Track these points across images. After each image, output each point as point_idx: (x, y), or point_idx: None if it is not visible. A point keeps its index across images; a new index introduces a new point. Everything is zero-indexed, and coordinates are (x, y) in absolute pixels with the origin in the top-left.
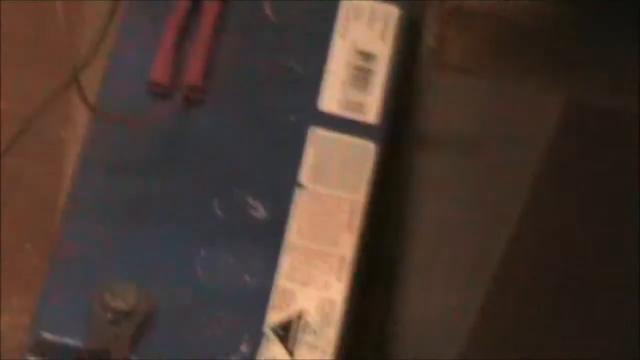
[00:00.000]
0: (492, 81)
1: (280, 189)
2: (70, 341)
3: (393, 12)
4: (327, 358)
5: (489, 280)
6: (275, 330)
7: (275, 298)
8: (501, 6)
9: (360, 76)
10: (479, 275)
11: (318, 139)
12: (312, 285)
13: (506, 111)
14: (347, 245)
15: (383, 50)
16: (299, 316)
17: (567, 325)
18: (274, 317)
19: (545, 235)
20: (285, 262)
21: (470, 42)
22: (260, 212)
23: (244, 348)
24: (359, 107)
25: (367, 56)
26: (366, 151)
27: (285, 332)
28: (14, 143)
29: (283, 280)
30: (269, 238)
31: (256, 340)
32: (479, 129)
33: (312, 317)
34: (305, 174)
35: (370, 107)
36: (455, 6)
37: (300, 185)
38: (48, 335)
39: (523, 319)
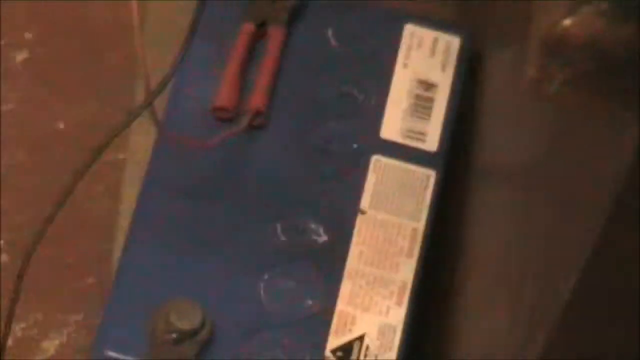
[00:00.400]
0: (577, 114)
1: (341, 214)
2: (132, 359)
3: (454, 42)
4: None
5: (552, 319)
6: (336, 354)
7: (336, 322)
8: (600, 37)
9: (422, 105)
10: (543, 314)
11: (379, 166)
12: (373, 310)
13: (586, 146)
14: (407, 271)
15: (444, 79)
16: (360, 340)
17: None
18: (335, 341)
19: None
20: (347, 287)
21: (568, 74)
22: (322, 237)
23: None
24: (420, 135)
25: (428, 85)
26: (427, 179)
27: (346, 356)
28: (86, 170)
29: (344, 304)
30: (331, 263)
31: None
32: (554, 161)
33: (373, 341)
34: (366, 200)
35: (431, 135)
36: (558, 38)
37: (361, 211)
38: (111, 353)
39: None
